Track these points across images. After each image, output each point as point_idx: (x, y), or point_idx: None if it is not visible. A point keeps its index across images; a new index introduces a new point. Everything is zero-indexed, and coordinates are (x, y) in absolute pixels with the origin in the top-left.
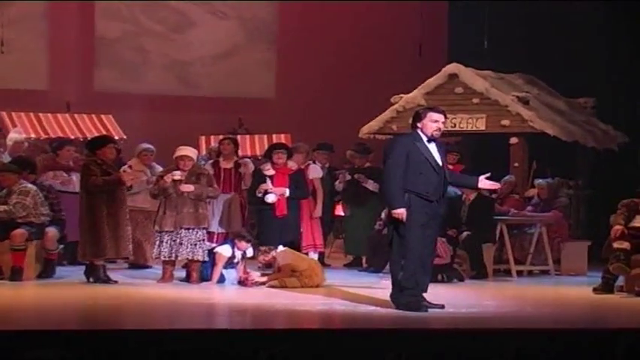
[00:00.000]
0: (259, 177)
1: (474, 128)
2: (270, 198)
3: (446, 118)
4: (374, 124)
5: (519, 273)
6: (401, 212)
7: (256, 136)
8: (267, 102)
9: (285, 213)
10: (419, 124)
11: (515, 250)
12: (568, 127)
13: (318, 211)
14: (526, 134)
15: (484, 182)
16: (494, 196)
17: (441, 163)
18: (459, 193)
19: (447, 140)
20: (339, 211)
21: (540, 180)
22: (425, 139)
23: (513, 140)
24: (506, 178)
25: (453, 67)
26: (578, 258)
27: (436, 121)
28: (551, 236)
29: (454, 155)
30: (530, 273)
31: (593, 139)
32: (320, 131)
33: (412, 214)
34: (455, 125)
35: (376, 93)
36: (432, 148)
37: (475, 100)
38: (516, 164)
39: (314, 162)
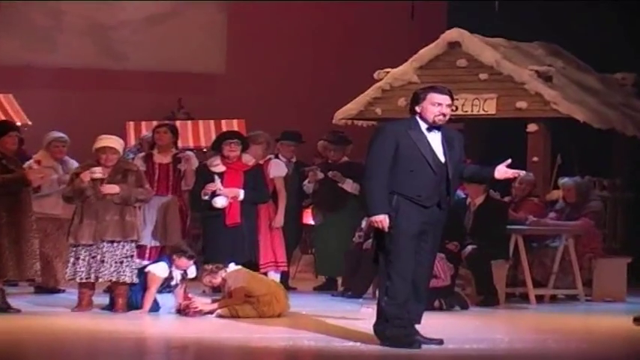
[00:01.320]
0: (205, 175)
1: (481, 112)
2: (220, 202)
3: (453, 99)
4: (353, 108)
5: (539, 299)
6: (380, 219)
7: (201, 123)
8: (215, 79)
9: (238, 221)
10: (417, 108)
11: (534, 268)
12: (602, 111)
13: (281, 219)
14: (548, 120)
15: (502, 170)
16: (507, 199)
17: (443, 159)
18: (462, 195)
19: (448, 125)
20: (309, 218)
21: (566, 179)
22: (424, 127)
23: (532, 128)
24: (522, 176)
25: (454, 34)
26: (614, 279)
27: (439, 104)
28: (580, 251)
29: None
30: (553, 298)
31: (633, 126)
32: (284, 116)
33: (401, 223)
34: (457, 108)
35: (356, 67)
36: (434, 138)
37: (483, 76)
38: (535, 159)
39: (276, 156)
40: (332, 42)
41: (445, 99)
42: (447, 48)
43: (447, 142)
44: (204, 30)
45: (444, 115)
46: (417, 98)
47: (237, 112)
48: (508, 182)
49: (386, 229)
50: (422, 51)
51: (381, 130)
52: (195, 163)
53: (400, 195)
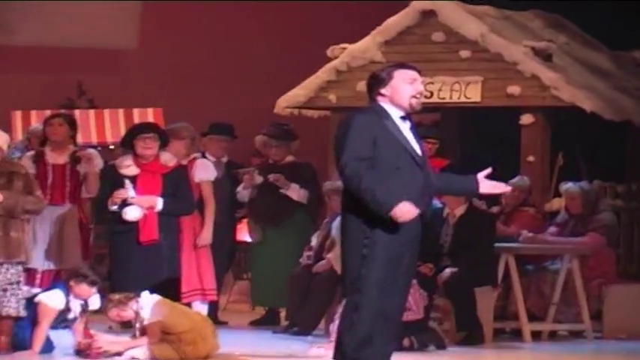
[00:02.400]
0: (113, 179)
1: (463, 99)
2: (132, 213)
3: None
4: (300, 94)
5: (536, 335)
6: (404, 210)
7: (107, 112)
8: (124, 56)
9: (154, 238)
10: (383, 91)
11: (529, 298)
12: (615, 98)
13: (209, 236)
14: (547, 110)
15: (489, 185)
16: (495, 209)
17: (421, 153)
18: (438, 205)
19: (418, 118)
20: (244, 234)
21: (570, 184)
22: (396, 115)
23: (526, 119)
24: (514, 180)
25: (427, 1)
26: (630, 311)
27: (413, 81)
28: (587, 275)
29: (431, 144)
30: (553, 335)
31: None
32: (212, 105)
33: (378, 243)
34: (431, 94)
35: (304, 43)
36: (406, 127)
37: (465, 54)
38: (531, 158)
39: (203, 155)
40: (273, 12)
41: (418, 75)
42: (420, 18)
43: (415, 134)
44: None
45: (421, 94)
46: (379, 80)
47: (153, 99)
48: None
49: (414, 213)
50: (387, 22)
51: (352, 123)
52: (99, 163)
53: None
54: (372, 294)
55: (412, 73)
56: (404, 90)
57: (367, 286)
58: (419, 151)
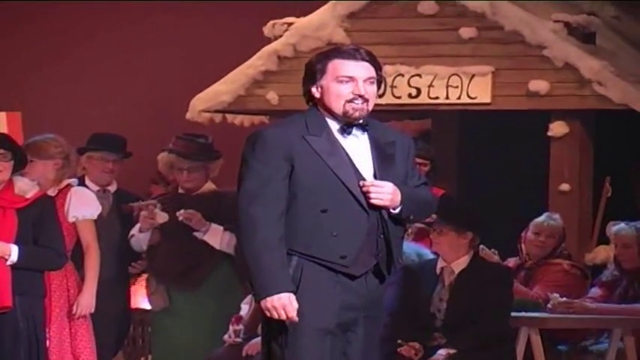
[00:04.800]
0: None
1: (465, 99)
2: None
3: (377, 67)
4: (223, 91)
5: None
6: (277, 304)
7: None
8: None
9: (6, 305)
10: (314, 91)
11: None
12: None
13: (90, 301)
14: (588, 114)
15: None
16: (512, 262)
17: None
18: (429, 255)
19: (401, 123)
20: (141, 298)
21: (622, 225)
22: (334, 126)
23: (558, 129)
24: (540, 219)
25: None
26: None
27: (348, 80)
28: None
29: (419, 166)
30: None
31: None
32: (94, 108)
33: (304, 309)
34: (418, 92)
35: (226, 16)
36: (356, 146)
37: (467, 33)
38: (565, 187)
39: (81, 181)
40: None
41: (361, 67)
42: None
43: (379, 153)
44: None
45: (363, 98)
46: (310, 74)
47: (6, 98)
48: (513, 232)
49: (290, 317)
50: None
51: (258, 141)
52: None
53: (304, 257)
54: None
55: (349, 65)
56: (335, 91)
57: None
58: (372, 180)
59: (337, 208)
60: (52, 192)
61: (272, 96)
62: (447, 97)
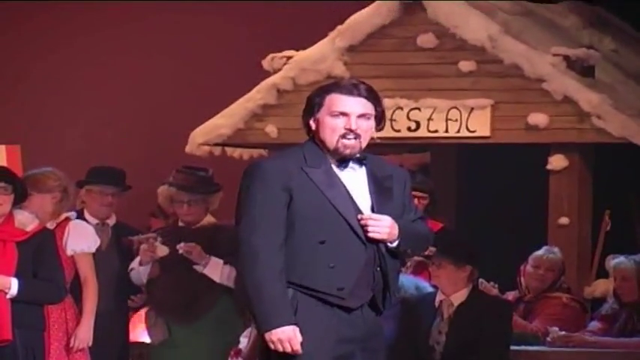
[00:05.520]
0: None
1: (464, 133)
2: None
3: (376, 103)
4: (223, 124)
5: None
6: (282, 337)
7: None
8: None
9: (6, 338)
10: (312, 124)
11: None
12: None
13: (88, 334)
14: (587, 148)
15: None
16: (511, 295)
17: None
18: (428, 288)
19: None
20: (141, 332)
21: (621, 258)
22: (331, 160)
23: (557, 162)
24: (539, 253)
25: None
26: None
27: (341, 115)
28: None
29: (418, 199)
30: None
31: None
32: (93, 141)
33: (302, 339)
34: (417, 126)
35: (227, 50)
36: (353, 180)
37: (466, 66)
38: (564, 220)
39: (80, 214)
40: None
41: (356, 103)
42: (400, 13)
43: (377, 187)
44: None
45: (355, 133)
46: (311, 105)
47: (6, 131)
48: (512, 266)
49: (295, 350)
50: (352, 19)
51: (256, 174)
52: None
53: (300, 288)
54: None
55: (343, 100)
56: (329, 124)
57: None
58: (370, 213)
59: (335, 240)
60: (50, 225)
61: (271, 129)
62: (447, 131)
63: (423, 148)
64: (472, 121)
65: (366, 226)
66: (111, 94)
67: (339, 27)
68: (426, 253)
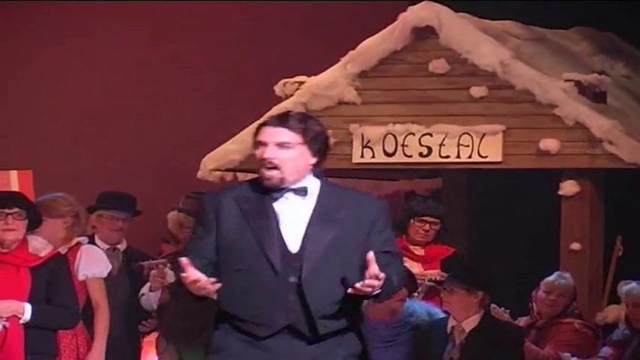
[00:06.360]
0: None
1: (476, 158)
2: None
3: (305, 132)
4: (234, 150)
5: None
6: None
7: None
8: None
9: None
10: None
11: None
12: None
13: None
14: (599, 173)
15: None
16: (523, 321)
17: (297, 249)
18: (440, 314)
19: (411, 182)
20: (151, 357)
21: (633, 284)
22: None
23: (569, 188)
24: (551, 279)
25: (424, 12)
26: None
27: (261, 144)
28: None
29: (428, 224)
30: None
31: None
32: (104, 166)
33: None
34: (429, 151)
35: (239, 75)
36: (292, 210)
37: (478, 92)
38: (575, 245)
39: (91, 239)
40: (199, 26)
41: (273, 132)
42: (412, 39)
43: (321, 218)
44: None
45: (271, 163)
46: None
47: (18, 156)
48: (523, 291)
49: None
50: (364, 44)
51: (201, 204)
52: None
53: (229, 319)
54: None
55: (263, 130)
56: (256, 155)
57: None
58: (293, 246)
59: (250, 269)
60: (62, 250)
61: None
62: (458, 156)
63: (435, 174)
64: (484, 146)
65: (373, 287)
66: (122, 119)
67: (351, 52)
68: (438, 278)
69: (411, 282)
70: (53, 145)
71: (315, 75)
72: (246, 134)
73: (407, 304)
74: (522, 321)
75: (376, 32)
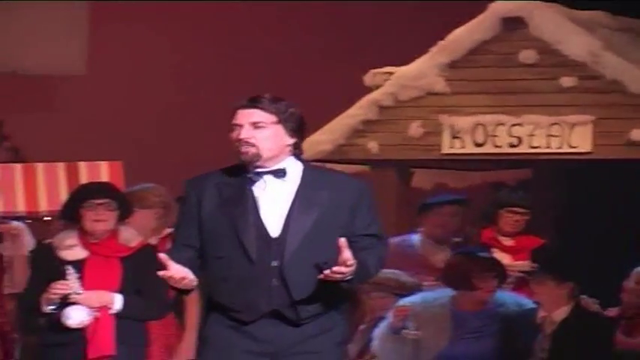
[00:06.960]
0: (48, 266)
1: (566, 149)
2: (76, 316)
3: (278, 112)
4: (324, 140)
5: None
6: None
7: (40, 167)
8: (67, 86)
9: (109, 353)
10: None
11: None
12: None
13: (188, 352)
14: None
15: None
16: (613, 312)
17: (278, 232)
18: (530, 305)
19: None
20: None
21: None
22: (250, 176)
23: None
24: None
25: (514, 2)
26: None
27: (237, 127)
28: None
29: (517, 215)
30: None
31: None
32: (192, 158)
33: (208, 353)
34: (519, 142)
35: (327, 65)
36: (276, 194)
37: (567, 82)
38: None
39: None
40: (279, 16)
41: (246, 114)
42: (501, 29)
43: (302, 201)
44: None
45: (246, 142)
46: None
47: (109, 148)
48: (614, 281)
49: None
50: (453, 35)
51: (184, 190)
52: (28, 243)
53: (211, 303)
54: None
55: (237, 113)
56: (232, 138)
57: None
58: (273, 229)
59: (229, 256)
60: (152, 241)
61: (372, 145)
62: (548, 147)
63: (522, 164)
64: (574, 136)
65: (340, 273)
66: (212, 116)
67: (441, 42)
68: (527, 269)
69: (500, 273)
70: (148, 134)
71: (404, 65)
72: (336, 124)
73: (497, 295)
74: (612, 312)
75: (464, 22)
